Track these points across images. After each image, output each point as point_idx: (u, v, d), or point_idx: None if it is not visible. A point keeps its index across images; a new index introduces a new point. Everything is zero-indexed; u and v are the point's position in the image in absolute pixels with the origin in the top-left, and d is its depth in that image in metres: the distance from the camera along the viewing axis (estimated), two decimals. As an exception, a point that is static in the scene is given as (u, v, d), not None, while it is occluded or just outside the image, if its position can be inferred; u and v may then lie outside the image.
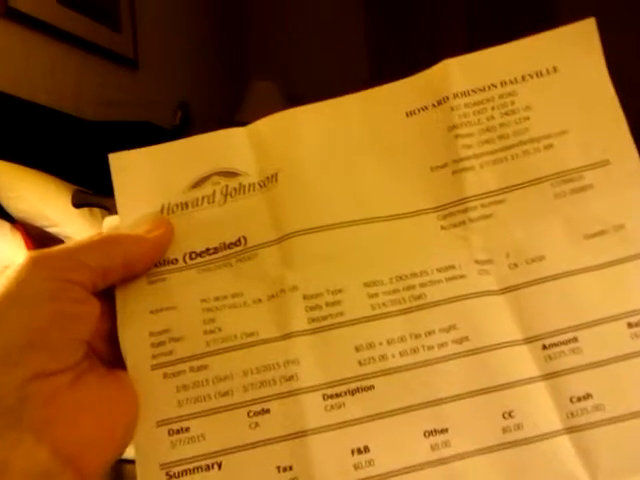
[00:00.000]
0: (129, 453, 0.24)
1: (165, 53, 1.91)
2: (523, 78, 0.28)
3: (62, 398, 0.22)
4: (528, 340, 0.25)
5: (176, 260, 0.27)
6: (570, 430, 0.24)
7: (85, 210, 1.00)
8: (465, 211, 0.27)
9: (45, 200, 1.10)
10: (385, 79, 0.29)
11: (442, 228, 0.27)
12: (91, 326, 0.24)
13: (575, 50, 0.28)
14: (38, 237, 1.15)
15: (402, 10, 2.18)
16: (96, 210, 1.00)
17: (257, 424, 0.24)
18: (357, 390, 0.24)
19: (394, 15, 2.20)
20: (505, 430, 0.24)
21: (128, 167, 0.29)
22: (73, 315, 0.23)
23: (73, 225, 1.12)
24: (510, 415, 0.24)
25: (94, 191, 0.88)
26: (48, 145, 1.33)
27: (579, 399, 0.24)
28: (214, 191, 0.28)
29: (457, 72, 0.28)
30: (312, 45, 2.16)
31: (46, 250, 0.24)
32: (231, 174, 0.29)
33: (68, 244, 0.24)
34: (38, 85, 1.40)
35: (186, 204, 0.28)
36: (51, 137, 1.36)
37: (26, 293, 0.22)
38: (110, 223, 0.29)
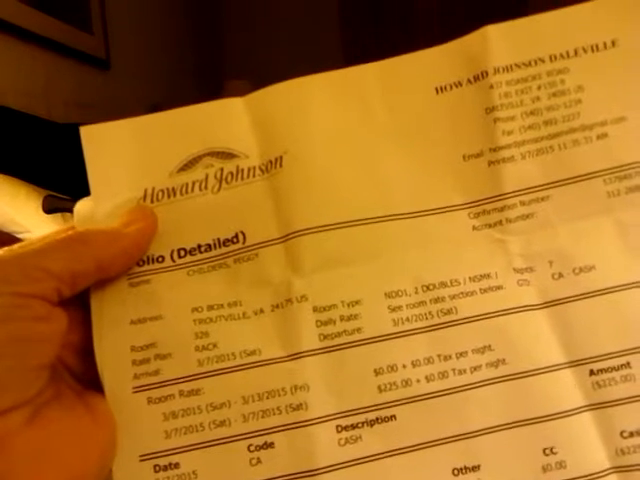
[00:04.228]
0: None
1: (138, 54, 1.86)
2: (576, 52, 0.23)
3: (15, 443, 0.18)
4: (573, 364, 0.22)
5: (162, 258, 0.23)
6: (620, 469, 0.21)
7: (57, 216, 0.96)
8: (502, 209, 0.23)
9: (15, 206, 1.07)
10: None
11: (474, 228, 0.23)
12: (55, 347, 0.19)
13: (639, 21, 0.23)
14: (9, 244, 1.10)
15: (376, 7, 2.11)
16: (69, 215, 0.96)
17: (259, 460, 0.21)
18: (376, 421, 0.21)
19: (368, 13, 2.13)
20: (545, 469, 0.21)
21: (103, 143, 0.24)
22: (31, 339, 0.18)
23: (45, 231, 1.08)
24: (551, 451, 0.21)
25: (68, 196, 0.82)
26: (17, 148, 1.28)
27: (631, 434, 0.21)
28: (206, 175, 0.24)
29: (499, 42, 0.24)
30: (287, 43, 2.13)
31: None
32: (227, 155, 0.24)
33: (24, 246, 0.20)
34: (6, 87, 1.35)
35: (173, 190, 0.24)
36: (20, 140, 1.31)
37: None
38: (82, 208, 0.24)
